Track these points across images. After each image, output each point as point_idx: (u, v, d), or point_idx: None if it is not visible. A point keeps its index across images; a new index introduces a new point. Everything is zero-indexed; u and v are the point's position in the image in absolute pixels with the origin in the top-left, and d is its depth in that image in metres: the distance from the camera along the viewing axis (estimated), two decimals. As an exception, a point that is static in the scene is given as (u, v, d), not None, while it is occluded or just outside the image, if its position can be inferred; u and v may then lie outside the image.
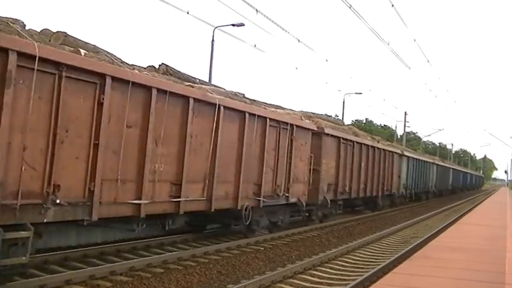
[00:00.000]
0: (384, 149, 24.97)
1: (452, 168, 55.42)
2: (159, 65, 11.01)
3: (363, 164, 21.05)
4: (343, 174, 18.84)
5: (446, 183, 49.15)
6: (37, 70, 6.82)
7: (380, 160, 23.90)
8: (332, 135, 17.83)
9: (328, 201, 17.18)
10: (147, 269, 9.35)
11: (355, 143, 20.20)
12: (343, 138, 18.75)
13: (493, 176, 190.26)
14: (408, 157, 30.98)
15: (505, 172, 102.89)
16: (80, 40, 8.83)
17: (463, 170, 71.54)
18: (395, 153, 27.32)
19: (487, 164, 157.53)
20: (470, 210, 27.78)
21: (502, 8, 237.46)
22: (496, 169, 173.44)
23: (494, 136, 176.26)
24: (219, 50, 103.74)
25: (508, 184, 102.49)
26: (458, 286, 7.63)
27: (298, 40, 21.25)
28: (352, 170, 19.86)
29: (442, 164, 47.23)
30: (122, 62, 9.17)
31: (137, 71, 9.29)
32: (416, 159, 33.66)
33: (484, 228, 16.67)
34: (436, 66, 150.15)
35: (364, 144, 21.55)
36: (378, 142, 25.27)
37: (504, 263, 9.53)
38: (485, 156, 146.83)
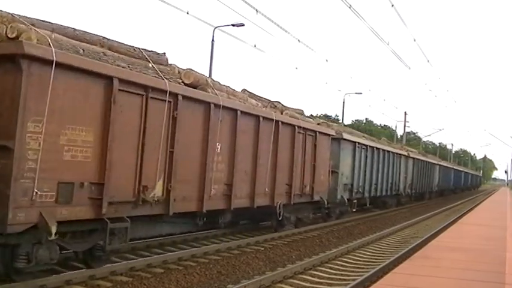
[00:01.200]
0: (263, 117, 12.72)
1: (440, 165, 45.03)
2: None
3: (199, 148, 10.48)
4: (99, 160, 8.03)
5: (430, 183, 39.40)
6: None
7: (259, 135, 12.52)
8: (77, 69, 7.54)
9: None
10: (147, 269, 9.34)
11: (169, 94, 9.28)
12: (119, 79, 8.18)
13: (493, 176, 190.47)
14: (339, 140, 18.86)
15: (505, 172, 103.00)
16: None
17: (455, 167, 60.08)
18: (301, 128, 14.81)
19: (487, 164, 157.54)
20: (471, 210, 27.77)
21: (502, 8, 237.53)
22: (496, 169, 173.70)
23: (494, 136, 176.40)
24: (219, 50, 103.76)
25: (508, 184, 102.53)
26: (458, 286, 7.63)
27: (298, 40, 21.22)
28: (158, 154, 9.23)
29: (422, 158, 36.61)
30: None
31: None
32: (362, 145, 21.55)
33: (484, 228, 16.67)
34: (436, 66, 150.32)
35: (210, 102, 10.56)
36: (246, 100, 12.79)
37: (504, 263, 9.52)
38: (485, 156, 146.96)
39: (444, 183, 47.82)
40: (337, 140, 18.69)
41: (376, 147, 23.78)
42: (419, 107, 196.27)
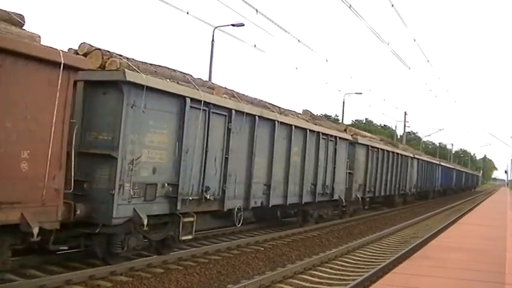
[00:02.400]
0: None
1: (419, 160, 34.90)
2: None
3: None
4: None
5: (403, 184, 29.16)
6: None
7: None
8: None
9: None
10: (147, 269, 9.35)
11: None
12: None
13: (493, 176, 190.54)
14: (120, 86, 8.57)
15: (505, 172, 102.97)
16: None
17: (442, 163, 47.68)
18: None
19: (487, 164, 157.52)
20: (471, 210, 27.78)
21: (502, 8, 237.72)
22: (496, 169, 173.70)
23: (494, 136, 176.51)
24: (219, 50, 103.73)
25: (508, 184, 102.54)
26: (458, 286, 7.63)
27: (298, 40, 21.05)
28: None
29: (383, 147, 25.08)
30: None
31: None
32: (212, 107, 10.67)
33: (484, 228, 16.67)
34: (436, 66, 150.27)
35: None
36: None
37: (504, 263, 9.53)
38: (485, 156, 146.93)
39: (427, 184, 38.07)
40: (112, 85, 8.73)
41: (260, 116, 12.50)
42: (419, 107, 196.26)
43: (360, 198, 21.15)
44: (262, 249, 12.41)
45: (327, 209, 18.05)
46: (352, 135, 20.51)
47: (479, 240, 13.02)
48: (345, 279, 9.85)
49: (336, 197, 17.99)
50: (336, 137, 17.87)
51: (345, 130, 20.63)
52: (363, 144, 21.57)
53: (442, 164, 47.17)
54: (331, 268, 10.91)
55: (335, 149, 17.73)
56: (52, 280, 7.80)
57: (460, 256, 10.07)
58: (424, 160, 37.53)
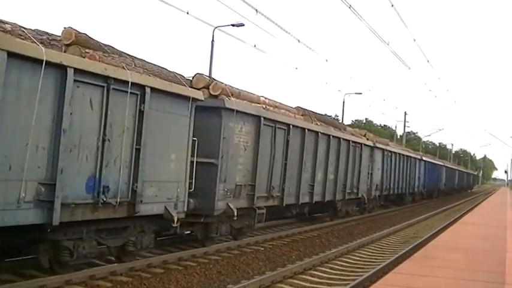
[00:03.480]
0: None
1: (389, 152, 25.89)
2: None
3: None
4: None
5: (352, 183, 19.77)
6: None
7: None
8: None
9: None
10: (147, 269, 9.35)
11: None
12: None
13: (493, 176, 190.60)
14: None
15: (505, 172, 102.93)
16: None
17: (425, 159, 37.81)
18: None
19: (487, 164, 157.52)
20: (471, 210, 27.79)
21: (502, 8, 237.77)
22: (496, 169, 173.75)
23: (494, 136, 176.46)
24: (219, 50, 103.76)
25: (507, 184, 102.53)
26: (458, 286, 7.64)
27: (298, 40, 21.01)
28: None
29: (322, 130, 16.42)
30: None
31: None
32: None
33: (484, 228, 16.66)
34: (436, 66, 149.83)
35: None
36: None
37: (504, 263, 9.53)
38: (485, 156, 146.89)
39: (401, 184, 28.61)
40: None
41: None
42: (419, 107, 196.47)
43: (235, 210, 11.48)
44: (262, 249, 12.40)
45: (136, 236, 9.37)
46: (217, 94, 11.41)
47: (480, 240, 13.02)
48: (345, 279, 9.84)
49: (152, 210, 9.24)
50: (143, 87, 8.69)
51: (208, 87, 11.44)
52: (241, 112, 11.77)
53: (424, 159, 37.31)
54: (331, 268, 10.90)
55: (142, 113, 8.73)
56: (52, 280, 7.79)
57: (460, 256, 10.07)
58: (395, 152, 27.45)
